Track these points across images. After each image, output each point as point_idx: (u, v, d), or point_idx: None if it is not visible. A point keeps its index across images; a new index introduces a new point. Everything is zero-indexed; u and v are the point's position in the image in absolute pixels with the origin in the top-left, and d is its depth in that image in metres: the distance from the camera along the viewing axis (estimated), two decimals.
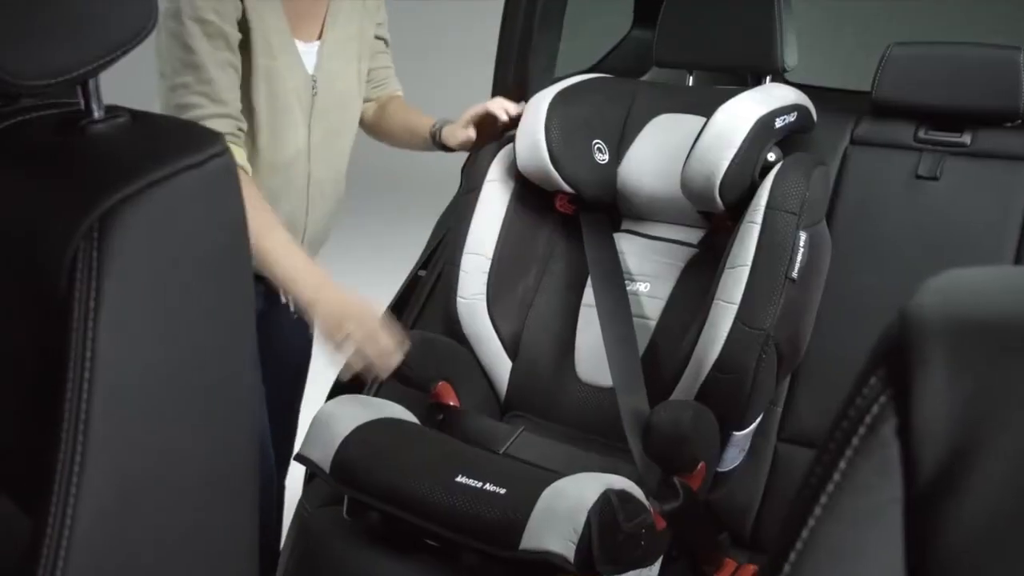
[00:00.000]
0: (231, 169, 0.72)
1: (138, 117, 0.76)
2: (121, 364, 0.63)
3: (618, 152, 1.81)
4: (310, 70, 1.63)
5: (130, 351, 0.64)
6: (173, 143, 0.71)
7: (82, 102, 0.74)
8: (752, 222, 1.53)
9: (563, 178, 1.73)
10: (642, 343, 1.67)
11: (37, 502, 0.64)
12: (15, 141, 0.74)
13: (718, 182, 1.59)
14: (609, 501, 1.27)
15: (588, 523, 1.25)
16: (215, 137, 0.72)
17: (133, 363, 0.64)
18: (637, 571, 1.35)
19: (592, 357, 1.71)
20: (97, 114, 0.74)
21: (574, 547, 1.24)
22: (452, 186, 2.20)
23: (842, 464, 0.48)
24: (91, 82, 0.74)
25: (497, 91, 1.99)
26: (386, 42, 1.87)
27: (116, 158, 0.70)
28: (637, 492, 1.36)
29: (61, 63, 0.70)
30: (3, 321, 0.66)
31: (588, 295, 1.74)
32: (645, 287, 1.73)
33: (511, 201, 1.78)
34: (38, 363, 0.64)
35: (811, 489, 0.49)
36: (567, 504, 1.27)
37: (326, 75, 1.65)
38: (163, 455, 0.67)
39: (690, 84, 1.96)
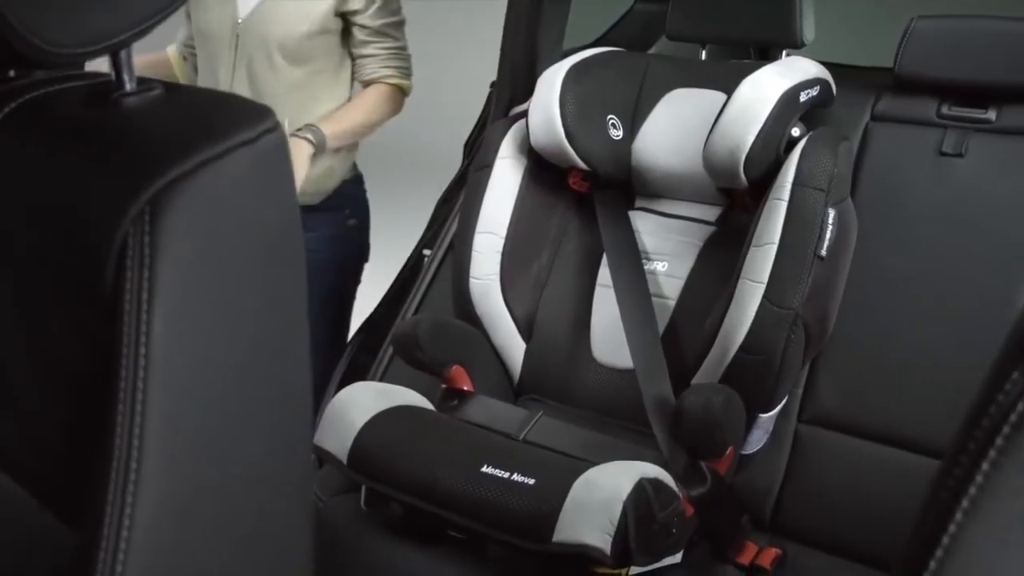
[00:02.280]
0: (283, 146, 0.66)
1: (171, 89, 0.70)
2: (178, 360, 0.58)
3: (632, 128, 1.76)
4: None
5: (187, 345, 0.58)
6: (221, 118, 0.64)
7: (113, 73, 0.68)
8: (779, 199, 1.49)
9: (578, 154, 1.68)
10: (661, 324, 1.62)
11: (84, 513, 0.58)
12: (39, 116, 0.67)
13: (743, 157, 1.54)
14: (644, 491, 1.23)
15: (624, 514, 1.20)
16: (266, 111, 0.65)
17: (190, 358, 0.58)
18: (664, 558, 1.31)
19: (608, 338, 1.66)
20: (129, 86, 0.67)
21: (610, 539, 1.20)
22: (448, 161, 2.15)
23: (985, 466, 0.46)
24: (123, 52, 0.67)
25: (504, 65, 1.93)
26: (379, 32, 1.89)
27: (160, 134, 0.63)
28: (668, 480, 1.32)
29: (98, 30, 0.63)
30: (43, 317, 0.60)
31: (603, 275, 1.70)
32: (662, 266, 1.68)
33: (524, 179, 1.73)
34: (84, 362, 0.58)
35: (950, 491, 0.47)
36: (601, 495, 1.23)
37: (260, 12, 1.75)
38: (222, 456, 0.61)
39: (703, 58, 1.90)
